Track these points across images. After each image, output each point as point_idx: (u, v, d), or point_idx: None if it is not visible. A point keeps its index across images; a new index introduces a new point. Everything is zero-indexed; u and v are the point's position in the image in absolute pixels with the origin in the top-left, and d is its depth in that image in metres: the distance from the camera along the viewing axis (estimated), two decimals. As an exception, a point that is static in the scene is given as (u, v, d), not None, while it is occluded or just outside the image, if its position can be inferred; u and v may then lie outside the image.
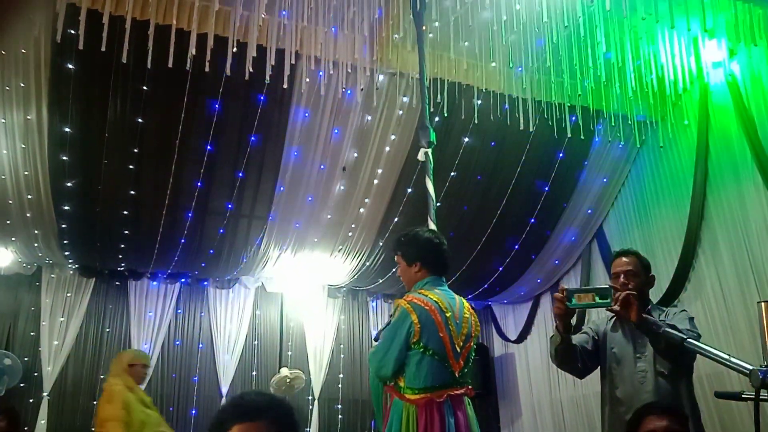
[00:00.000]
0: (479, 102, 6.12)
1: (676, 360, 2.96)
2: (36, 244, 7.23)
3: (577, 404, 8.33)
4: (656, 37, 5.60)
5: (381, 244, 7.85)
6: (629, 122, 6.26)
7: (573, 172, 7.40)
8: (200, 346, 8.45)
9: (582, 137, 6.29)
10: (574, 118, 6.22)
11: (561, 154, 7.08)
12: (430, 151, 4.54)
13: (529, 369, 9.39)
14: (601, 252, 7.94)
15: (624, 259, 3.33)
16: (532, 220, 7.72)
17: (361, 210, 7.40)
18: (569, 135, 6.13)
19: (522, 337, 9.55)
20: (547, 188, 7.41)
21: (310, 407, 8.56)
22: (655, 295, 6.50)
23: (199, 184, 6.61)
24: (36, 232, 6.95)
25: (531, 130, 6.06)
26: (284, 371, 7.90)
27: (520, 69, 5.84)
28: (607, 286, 2.52)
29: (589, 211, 7.80)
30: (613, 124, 6.22)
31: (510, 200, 7.40)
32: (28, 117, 5.75)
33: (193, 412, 8.12)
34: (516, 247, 8.03)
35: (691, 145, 6.50)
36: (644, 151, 7.25)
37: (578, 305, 2.58)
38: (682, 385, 3.10)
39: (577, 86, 5.71)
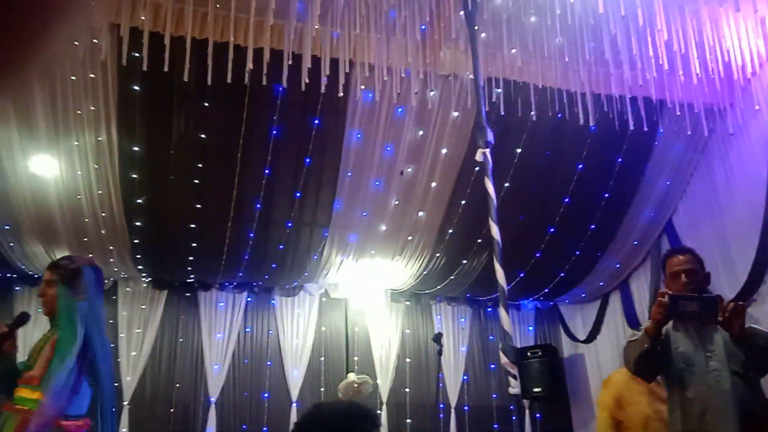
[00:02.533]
0: (536, 98, 6.02)
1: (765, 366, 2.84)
2: (111, 260, 7.56)
3: (652, 405, 8.03)
4: (721, 21, 5.37)
5: (441, 247, 7.83)
6: (695, 111, 6.01)
7: (637, 166, 7.17)
8: (269, 353, 8.62)
9: (645, 129, 6.09)
10: (635, 110, 6.03)
11: (624, 148, 6.87)
12: (488, 151, 4.49)
13: (601, 369, 9.12)
14: (672, 247, 7.65)
15: (681, 257, 3.16)
16: (596, 217, 7.52)
17: (421, 214, 7.40)
18: (632, 127, 5.94)
19: (592, 337, 9.30)
20: (610, 183, 7.20)
21: (379, 412, 8.59)
22: (732, 288, 6.25)
23: (261, 195, 6.77)
24: (111, 248, 7.28)
25: (591, 124, 5.92)
26: (351, 376, 7.95)
27: (576, 63, 5.71)
28: (715, 296, 2.42)
29: (656, 206, 7.53)
30: (678, 113, 5.98)
31: (572, 198, 7.24)
32: (99, 138, 6.04)
33: (265, 418, 8.28)
34: (581, 245, 7.84)
35: (762, 130, 6.19)
36: (713, 140, 6.95)
37: (682, 312, 2.49)
38: (757, 382, 2.95)
39: (638, 77, 5.53)
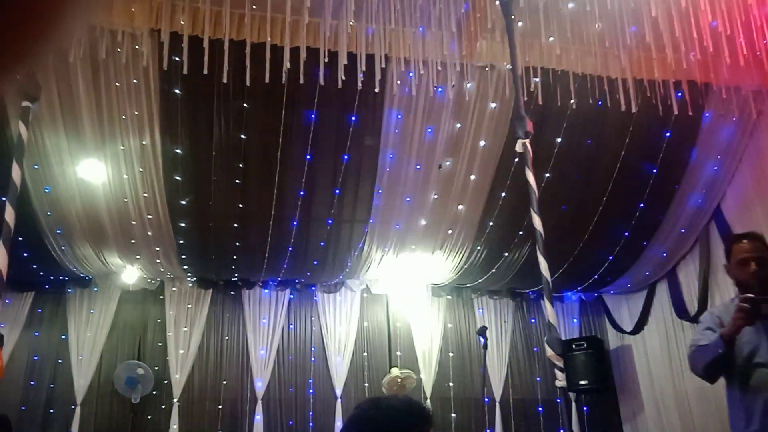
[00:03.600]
0: (575, 86, 5.92)
1: None
2: (158, 260, 7.75)
3: (705, 396, 7.83)
4: (768, -1, 5.17)
5: (482, 240, 7.77)
6: (742, 93, 5.82)
7: (683, 151, 6.98)
8: (313, 349, 8.71)
9: (690, 114, 5.93)
10: (680, 95, 5.87)
11: (668, 134, 6.70)
12: (527, 141, 4.43)
13: (649, 360, 8.94)
14: (721, 234, 7.43)
15: (750, 243, 3.02)
16: (641, 205, 7.36)
17: (460, 207, 7.37)
18: (676, 112, 5.79)
19: (639, 328, 9.12)
20: (655, 170, 7.04)
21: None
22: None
23: (301, 192, 6.84)
24: (157, 249, 7.46)
25: (633, 110, 5.79)
26: (395, 371, 8.00)
27: (616, 49, 5.59)
28: None
29: (704, 192, 7.33)
30: (725, 96, 5.80)
31: (615, 186, 7.10)
32: (144, 142, 6.18)
33: (311, 413, 8.37)
34: (626, 234, 7.68)
35: (816, 111, 5.96)
36: (761, 123, 6.72)
37: (762, 315, 2.42)
38: None
39: (681, 60, 5.39)
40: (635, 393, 9.16)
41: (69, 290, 8.30)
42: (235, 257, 7.81)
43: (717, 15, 4.93)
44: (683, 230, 7.72)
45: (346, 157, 6.60)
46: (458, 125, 6.54)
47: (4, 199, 3.92)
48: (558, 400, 8.98)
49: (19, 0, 0.37)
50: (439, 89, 6.01)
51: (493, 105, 6.39)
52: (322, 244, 7.62)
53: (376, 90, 5.25)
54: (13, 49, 0.39)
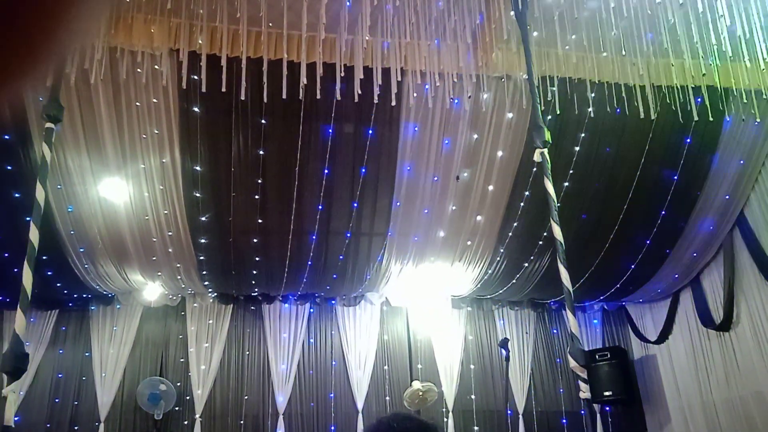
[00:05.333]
0: (593, 95, 5.89)
1: None
2: (179, 277, 7.80)
3: (733, 406, 7.68)
4: (787, 1, 5.12)
5: (502, 250, 7.73)
6: (764, 97, 5.75)
7: (704, 158, 6.90)
8: (333, 363, 8.69)
9: (711, 119, 5.86)
10: (699, 100, 5.81)
11: (689, 140, 6.63)
12: (545, 151, 4.42)
13: (674, 370, 8.79)
14: (746, 240, 7.32)
15: None
16: (663, 213, 7.27)
17: (479, 218, 7.34)
18: (696, 118, 5.73)
19: (663, 337, 8.98)
20: (676, 177, 6.96)
21: (445, 419, 8.53)
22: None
23: (320, 207, 6.86)
24: (178, 265, 7.51)
25: (652, 117, 5.74)
26: (416, 384, 7.94)
27: (634, 56, 5.56)
28: None
29: (727, 197, 7.23)
30: (745, 101, 5.73)
31: (636, 194, 7.03)
32: (164, 160, 6.26)
33: (332, 427, 8.35)
34: (647, 242, 7.59)
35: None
36: (784, 126, 6.63)
37: None
38: None
39: (700, 65, 5.34)
40: (661, 404, 9.00)
41: (92, 308, 8.38)
42: (255, 272, 7.85)
43: (735, 19, 4.89)
44: (706, 236, 7.62)
45: (363, 170, 6.62)
46: (475, 136, 6.53)
47: (28, 219, 3.98)
48: (582, 412, 8.86)
49: (20, 16, 0.37)
50: (456, 101, 6.02)
51: (510, 115, 6.38)
52: (341, 257, 7.64)
53: (393, 104, 5.26)
54: (15, 63, 0.39)
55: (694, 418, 8.39)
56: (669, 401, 8.88)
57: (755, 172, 7.04)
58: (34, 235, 3.89)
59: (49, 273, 7.20)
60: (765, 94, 5.70)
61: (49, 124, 4.13)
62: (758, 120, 6.13)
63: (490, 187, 7.01)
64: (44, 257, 6.56)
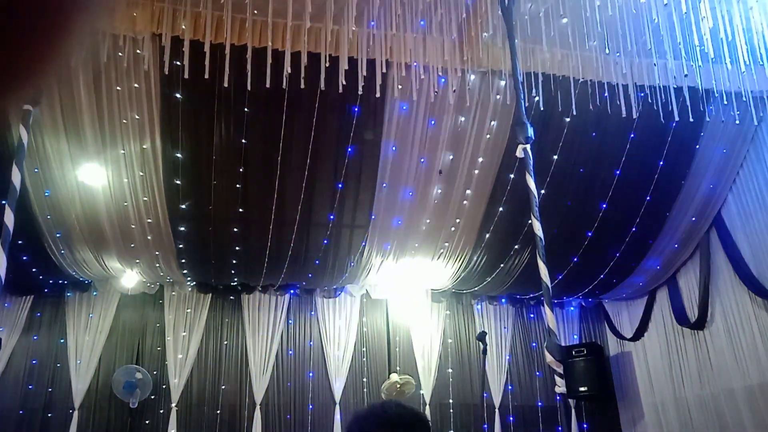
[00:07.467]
0: (576, 92, 5.92)
1: None
2: (157, 265, 7.73)
3: (705, 404, 7.81)
4: (769, 5, 5.18)
5: (483, 244, 7.76)
6: (743, 99, 5.82)
7: (683, 157, 6.98)
8: (312, 354, 8.68)
9: (691, 120, 5.93)
10: (681, 100, 5.87)
11: (669, 140, 6.70)
12: (528, 147, 4.43)
13: (649, 367, 8.92)
14: (722, 240, 7.43)
15: None
16: (643, 210, 7.34)
17: (460, 212, 7.35)
18: (677, 118, 5.79)
19: (639, 334, 9.10)
20: (656, 175, 7.03)
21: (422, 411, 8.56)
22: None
23: (301, 197, 6.82)
24: (156, 253, 7.44)
25: (634, 116, 5.79)
26: (394, 377, 7.97)
27: (618, 54, 5.59)
28: None
29: (705, 199, 7.32)
30: (726, 102, 5.80)
31: (616, 194, 7.09)
32: (144, 146, 6.18)
33: (309, 418, 8.34)
34: (627, 240, 7.66)
35: (817, 117, 5.96)
36: (762, 129, 6.73)
37: None
38: None
39: (682, 66, 5.39)
40: (635, 400, 9.13)
41: (68, 294, 8.28)
42: (234, 262, 7.79)
43: (718, 21, 4.94)
44: (684, 236, 7.71)
45: (346, 160, 6.59)
46: (459, 128, 6.52)
47: (4, 202, 3.91)
48: (557, 406, 8.97)
49: (25, 21, 0.36)
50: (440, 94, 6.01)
51: (493, 111, 6.39)
52: (324, 242, 7.57)
53: (377, 95, 5.24)
54: (19, 67, 0.38)
55: (667, 415, 8.53)
56: (643, 397, 9.02)
57: (733, 173, 7.15)
58: (9, 218, 3.82)
59: (24, 258, 7.09)
60: (744, 96, 5.77)
61: (27, 106, 4.05)
62: (737, 121, 6.21)
63: (473, 181, 7.01)
64: (20, 242, 6.47)
